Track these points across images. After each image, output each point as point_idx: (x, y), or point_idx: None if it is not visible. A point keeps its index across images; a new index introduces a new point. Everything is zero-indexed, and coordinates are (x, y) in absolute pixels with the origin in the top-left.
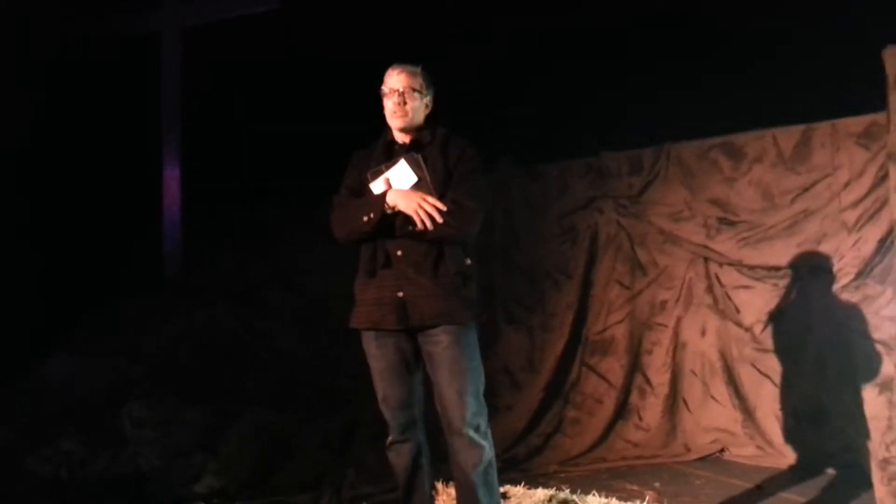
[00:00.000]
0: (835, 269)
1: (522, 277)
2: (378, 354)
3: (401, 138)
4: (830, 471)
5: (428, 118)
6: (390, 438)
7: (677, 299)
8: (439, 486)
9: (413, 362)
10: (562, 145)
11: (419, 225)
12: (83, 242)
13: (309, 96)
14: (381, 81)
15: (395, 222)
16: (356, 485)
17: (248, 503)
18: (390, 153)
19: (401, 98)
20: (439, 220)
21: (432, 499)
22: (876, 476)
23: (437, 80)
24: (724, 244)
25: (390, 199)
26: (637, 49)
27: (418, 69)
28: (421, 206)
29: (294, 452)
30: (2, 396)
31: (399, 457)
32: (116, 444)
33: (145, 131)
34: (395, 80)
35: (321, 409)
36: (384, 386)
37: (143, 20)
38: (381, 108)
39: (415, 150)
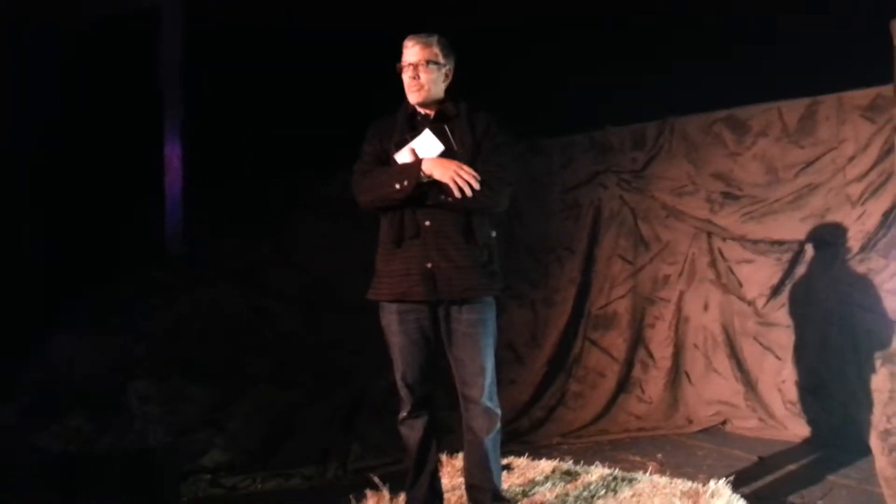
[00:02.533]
0: (839, 242)
1: (525, 253)
2: (399, 329)
3: (423, 110)
4: (832, 443)
5: (449, 89)
6: (404, 413)
7: (680, 274)
8: (444, 457)
9: (433, 337)
10: (565, 119)
11: (456, 194)
12: (86, 220)
13: (313, 72)
14: (387, 55)
15: (429, 192)
16: (361, 458)
17: (255, 476)
18: (413, 125)
19: (415, 72)
20: (476, 187)
21: (438, 471)
22: (877, 447)
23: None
24: (728, 218)
25: (426, 168)
26: (641, 22)
27: (433, 38)
28: (458, 174)
29: (299, 428)
30: (8, 375)
31: (413, 431)
32: (123, 420)
33: (147, 108)
34: (409, 54)
35: (325, 386)
36: (405, 361)
37: None
38: (389, 82)
39: (439, 122)
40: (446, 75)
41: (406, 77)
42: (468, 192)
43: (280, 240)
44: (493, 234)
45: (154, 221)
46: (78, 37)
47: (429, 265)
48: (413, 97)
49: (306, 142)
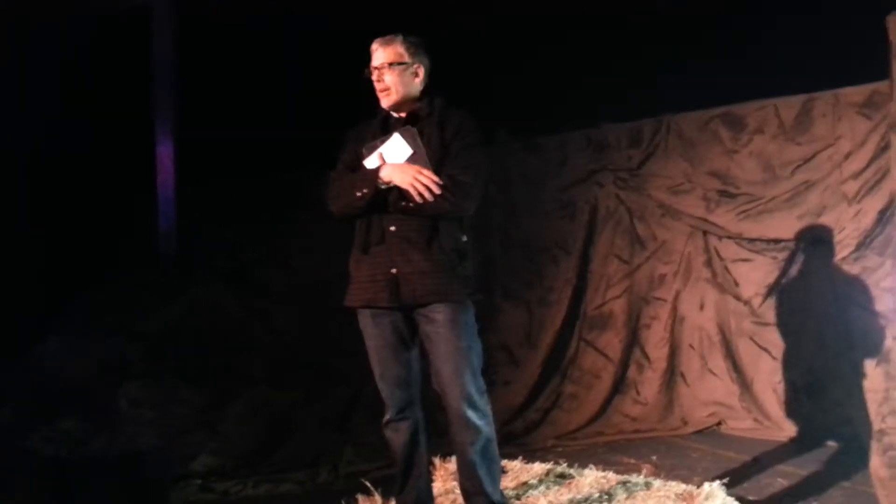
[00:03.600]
0: (835, 241)
1: (520, 252)
2: (374, 333)
3: (396, 112)
4: (828, 443)
5: (426, 88)
6: (387, 416)
7: (676, 273)
8: (437, 461)
9: (410, 340)
10: (560, 117)
11: (416, 198)
12: (78, 221)
13: (307, 70)
14: (364, 57)
15: (389, 198)
16: (353, 462)
17: (247, 481)
18: (386, 128)
19: (379, 74)
20: (437, 191)
21: (429, 475)
22: (872, 447)
23: (430, 47)
24: (724, 217)
25: (384, 174)
26: (637, 20)
27: (397, 38)
28: (417, 180)
29: (292, 431)
30: (0, 377)
31: (397, 434)
32: (115, 423)
33: (139, 108)
34: (374, 58)
35: (319, 388)
36: (381, 365)
37: None
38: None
39: (411, 124)
40: (416, 73)
41: (375, 82)
42: (428, 197)
43: (273, 240)
44: (464, 238)
45: (146, 221)
46: (69, 37)
47: (393, 271)
48: (383, 101)
49: (300, 141)
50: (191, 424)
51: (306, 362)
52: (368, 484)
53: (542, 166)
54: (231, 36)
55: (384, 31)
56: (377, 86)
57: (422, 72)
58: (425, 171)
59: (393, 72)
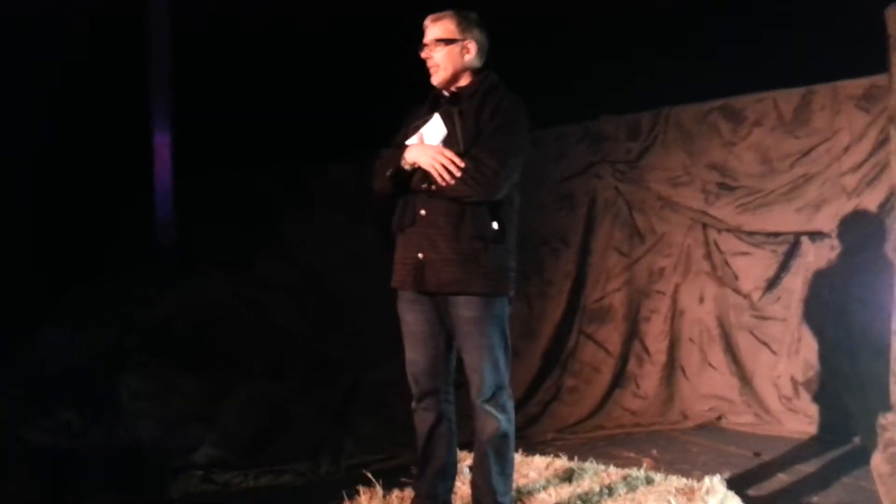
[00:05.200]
0: (834, 234)
1: (520, 245)
2: (407, 318)
3: (446, 91)
4: (829, 438)
5: (483, 64)
6: (413, 403)
7: (675, 266)
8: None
9: (440, 329)
10: (558, 110)
11: (438, 180)
12: (74, 211)
13: (306, 59)
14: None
15: (413, 179)
16: (354, 454)
17: (248, 472)
18: (434, 106)
19: (428, 52)
20: (456, 173)
21: (455, 467)
22: (873, 442)
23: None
24: (723, 210)
25: (408, 155)
26: (635, 11)
27: (445, 14)
28: (437, 161)
29: (291, 423)
30: None
31: (420, 423)
32: (113, 414)
33: (135, 96)
34: (426, 35)
35: (318, 380)
36: (410, 350)
37: None
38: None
39: (454, 103)
40: (466, 49)
41: (425, 59)
42: (448, 179)
43: (272, 231)
44: (495, 225)
45: (144, 213)
46: (65, 27)
47: (420, 256)
48: (432, 78)
49: (299, 132)
50: (190, 416)
51: (305, 353)
52: (370, 475)
53: (540, 159)
54: (228, 24)
55: (382, 19)
56: (428, 63)
57: (473, 48)
58: (447, 153)
59: (442, 48)
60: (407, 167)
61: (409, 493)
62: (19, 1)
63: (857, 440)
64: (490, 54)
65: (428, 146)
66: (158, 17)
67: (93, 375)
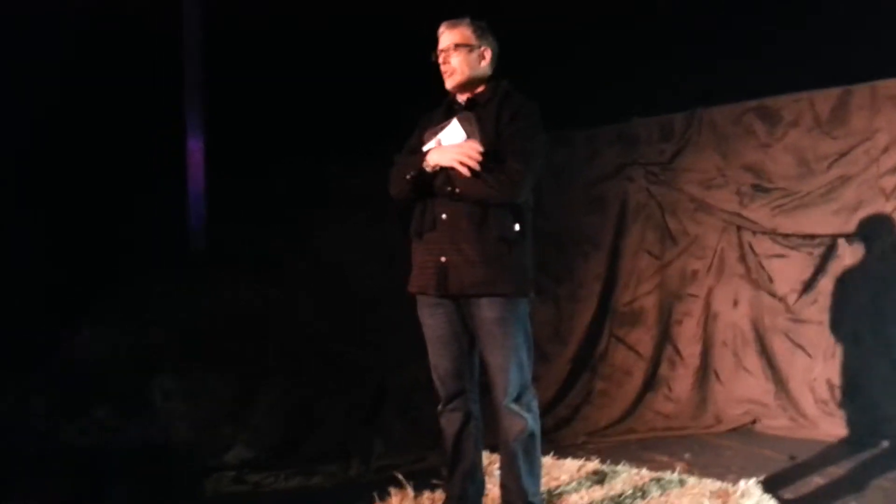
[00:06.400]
0: (871, 236)
1: (549, 247)
2: (429, 323)
3: (460, 97)
4: (866, 442)
5: (494, 72)
6: (440, 406)
7: (709, 269)
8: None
9: (463, 332)
10: (590, 110)
11: (463, 171)
12: (110, 215)
13: (334, 63)
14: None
15: (436, 182)
16: (384, 456)
17: (279, 473)
18: (450, 113)
19: (445, 56)
20: (475, 167)
21: (482, 468)
22: None
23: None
24: (758, 212)
25: (430, 158)
26: (668, 11)
27: (463, 21)
28: (459, 156)
29: (321, 423)
30: (35, 369)
31: (448, 424)
32: (148, 415)
33: (168, 102)
34: (441, 41)
35: (347, 380)
36: (434, 354)
37: None
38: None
39: (470, 109)
40: (482, 56)
41: (441, 64)
42: (474, 166)
43: (300, 232)
44: (517, 227)
45: (177, 216)
46: (100, 36)
47: (443, 259)
48: (448, 82)
49: (326, 132)
50: (222, 416)
51: (333, 354)
52: (401, 477)
53: (571, 160)
54: (262, 28)
55: (412, 26)
56: (443, 68)
57: (488, 55)
58: (466, 147)
59: (459, 53)
60: (429, 169)
61: (439, 494)
62: (56, 13)
63: (887, 443)
64: (523, 57)
65: (447, 147)
66: (191, 19)
67: (127, 376)
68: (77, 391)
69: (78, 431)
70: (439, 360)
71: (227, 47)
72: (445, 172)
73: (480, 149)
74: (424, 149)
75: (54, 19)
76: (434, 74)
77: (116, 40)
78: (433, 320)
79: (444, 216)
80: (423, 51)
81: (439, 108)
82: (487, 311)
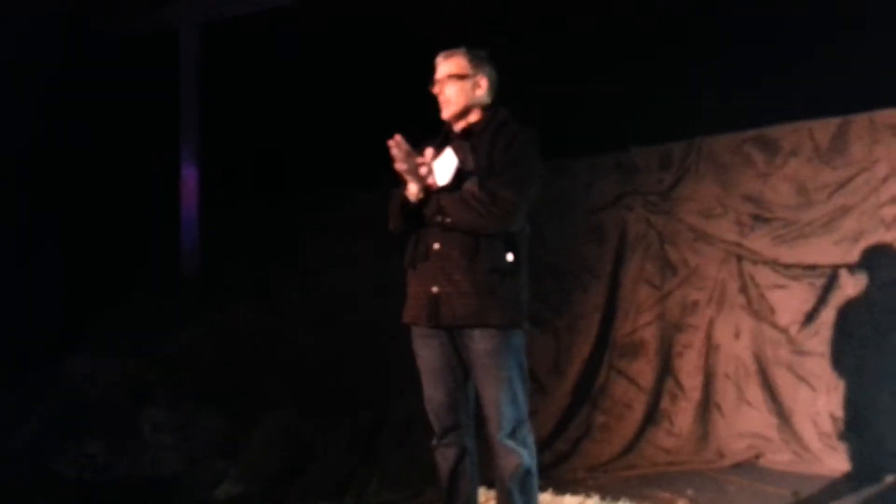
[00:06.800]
0: (873, 267)
1: (547, 277)
2: (423, 354)
3: (457, 126)
4: (871, 478)
5: (493, 100)
6: (434, 441)
7: (709, 300)
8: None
9: (457, 364)
10: (588, 140)
11: (399, 167)
12: (102, 242)
13: (329, 92)
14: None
15: (426, 212)
16: (379, 491)
17: None
18: (447, 142)
19: (440, 87)
20: (423, 171)
21: (476, 502)
22: None
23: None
24: (759, 242)
25: (409, 188)
26: (667, 40)
27: (459, 51)
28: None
29: (315, 457)
30: (22, 395)
31: (443, 460)
32: (137, 447)
33: (163, 129)
34: (438, 71)
35: (343, 412)
36: (428, 386)
37: (159, 16)
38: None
39: (466, 138)
40: (478, 85)
41: (437, 95)
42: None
43: (297, 261)
44: (510, 257)
45: (170, 243)
46: (94, 58)
47: (434, 290)
48: (444, 113)
49: (323, 161)
50: (213, 449)
51: (329, 385)
52: None
53: (570, 189)
54: (256, 55)
55: (408, 50)
56: (439, 99)
57: (484, 83)
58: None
59: (454, 84)
60: (412, 199)
61: None
62: (55, 42)
63: (893, 478)
64: (519, 85)
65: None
66: (187, 51)
67: (117, 407)
68: (66, 422)
69: (66, 463)
70: (433, 392)
71: (223, 75)
72: (437, 202)
73: (427, 159)
74: None
75: (58, 53)
76: (434, 103)
77: (117, 73)
78: (426, 351)
79: (436, 246)
80: (422, 77)
81: (438, 137)
82: (480, 342)
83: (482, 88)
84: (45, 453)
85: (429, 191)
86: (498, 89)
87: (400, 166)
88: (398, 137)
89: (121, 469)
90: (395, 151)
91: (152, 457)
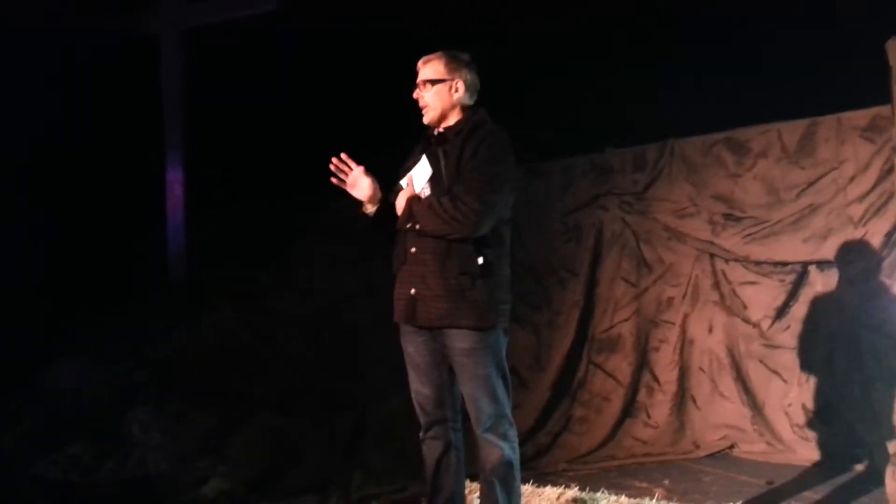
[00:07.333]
0: (841, 263)
1: (527, 276)
2: (410, 351)
3: (436, 130)
4: (842, 467)
5: (473, 102)
6: (421, 433)
7: (684, 296)
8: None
9: (442, 361)
10: (564, 142)
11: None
12: (88, 246)
13: (313, 96)
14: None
15: (400, 218)
16: (363, 486)
17: None
18: (426, 147)
19: (419, 92)
20: (348, 181)
21: (463, 497)
22: (887, 472)
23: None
24: (730, 240)
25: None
26: (639, 44)
27: (434, 56)
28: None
29: (301, 456)
30: (8, 400)
31: (429, 452)
32: (124, 448)
33: (149, 133)
34: (418, 76)
35: (328, 413)
36: (414, 381)
37: (142, 21)
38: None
39: (440, 142)
40: (454, 89)
41: (418, 100)
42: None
43: (284, 264)
44: (481, 260)
45: (156, 247)
46: (78, 63)
47: (412, 292)
48: (424, 118)
49: (309, 165)
50: (200, 449)
51: (315, 386)
52: None
53: (546, 190)
54: (241, 59)
55: (388, 63)
56: (420, 103)
57: (461, 87)
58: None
59: (430, 88)
60: (370, 210)
61: None
62: (33, 42)
63: (871, 469)
64: (494, 88)
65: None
66: (171, 56)
67: (104, 409)
68: (52, 423)
69: (52, 464)
70: (420, 387)
71: (208, 77)
72: (409, 209)
73: (351, 168)
74: (401, 184)
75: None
76: (417, 107)
77: (103, 75)
78: (413, 348)
79: (413, 250)
80: (407, 81)
81: (421, 142)
82: (457, 342)
83: (459, 91)
84: (33, 455)
85: (385, 201)
86: (479, 91)
87: (346, 185)
88: (343, 156)
89: (107, 469)
90: (336, 169)
91: (139, 456)
